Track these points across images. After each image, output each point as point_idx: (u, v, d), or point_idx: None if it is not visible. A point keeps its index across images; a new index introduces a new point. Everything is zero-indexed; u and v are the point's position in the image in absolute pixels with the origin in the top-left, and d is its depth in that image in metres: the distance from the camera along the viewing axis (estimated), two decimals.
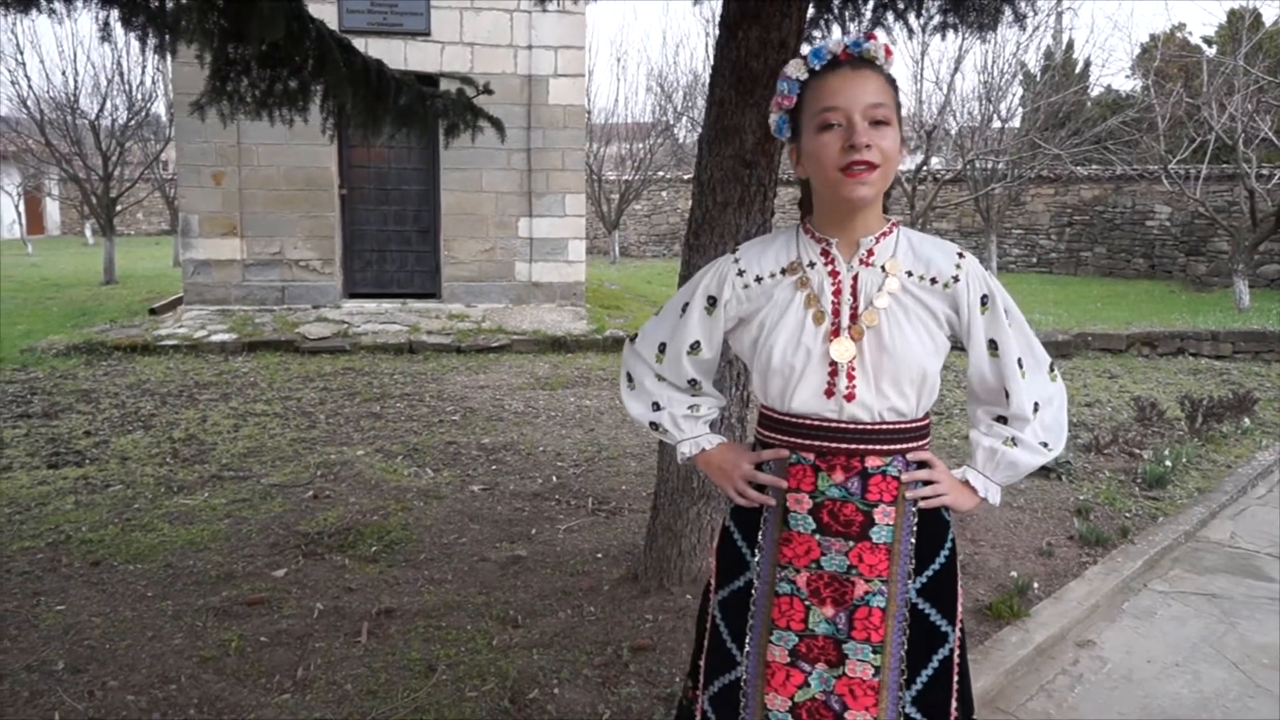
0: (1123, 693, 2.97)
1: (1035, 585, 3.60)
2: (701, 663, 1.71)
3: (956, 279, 1.56)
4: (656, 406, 1.74)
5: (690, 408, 1.74)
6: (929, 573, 1.58)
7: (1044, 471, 4.90)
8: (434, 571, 3.66)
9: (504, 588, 3.51)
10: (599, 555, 3.85)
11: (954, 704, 1.58)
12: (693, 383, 1.74)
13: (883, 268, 1.55)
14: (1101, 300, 12.80)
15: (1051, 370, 1.65)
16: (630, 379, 1.79)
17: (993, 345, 1.59)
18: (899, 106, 1.55)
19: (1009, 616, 3.32)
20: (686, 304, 1.70)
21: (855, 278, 1.56)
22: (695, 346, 1.69)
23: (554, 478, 4.97)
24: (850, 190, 1.49)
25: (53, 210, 29.50)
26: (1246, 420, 6.23)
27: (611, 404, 6.88)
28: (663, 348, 1.73)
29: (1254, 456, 5.60)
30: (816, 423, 1.56)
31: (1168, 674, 3.09)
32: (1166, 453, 5.33)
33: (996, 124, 15.08)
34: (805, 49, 1.87)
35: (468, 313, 10.30)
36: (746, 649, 1.62)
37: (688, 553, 3.40)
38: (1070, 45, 18.45)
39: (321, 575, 3.60)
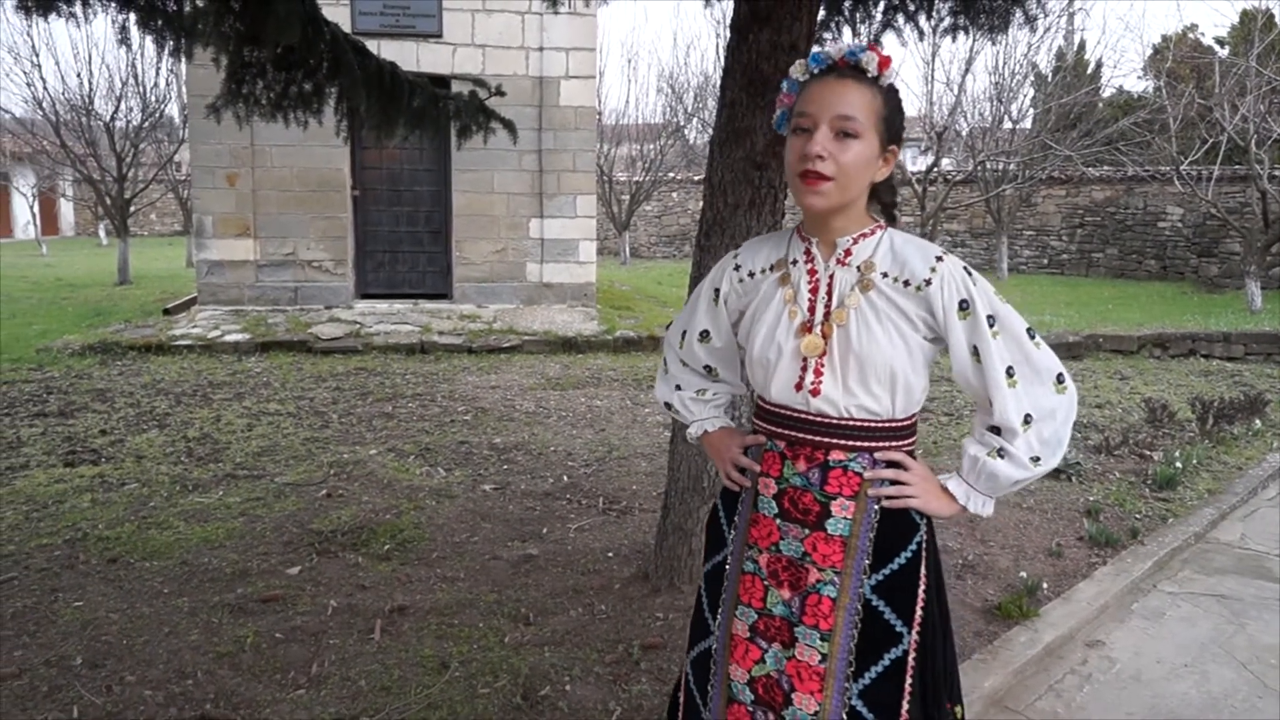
0: (1131, 693, 2.98)
1: (1044, 586, 3.62)
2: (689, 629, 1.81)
3: (929, 282, 1.54)
4: (678, 388, 1.87)
5: (699, 391, 1.86)
6: (886, 571, 1.58)
7: (1054, 473, 4.90)
8: (446, 570, 3.69)
9: (516, 586, 3.54)
10: (610, 554, 3.88)
11: (905, 705, 1.56)
12: (709, 369, 1.85)
13: (858, 268, 1.58)
14: (1113, 301, 12.76)
15: (1060, 381, 1.57)
16: (665, 364, 1.91)
17: (975, 352, 1.55)
18: (890, 117, 1.54)
19: (1018, 616, 3.34)
20: (700, 295, 1.80)
21: (832, 277, 1.60)
22: (705, 335, 1.80)
23: (565, 477, 5.00)
24: (803, 196, 1.54)
25: (67, 211, 29.70)
26: (1258, 422, 6.22)
27: (622, 404, 6.91)
28: (684, 335, 1.85)
29: (1264, 458, 5.59)
30: (789, 413, 1.62)
31: (1176, 674, 3.10)
32: (1177, 454, 5.33)
33: (1008, 125, 15.04)
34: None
35: (479, 313, 10.34)
36: (719, 619, 1.70)
37: (698, 551, 3.42)
38: (1082, 46, 18.35)
39: (335, 573, 3.64)
